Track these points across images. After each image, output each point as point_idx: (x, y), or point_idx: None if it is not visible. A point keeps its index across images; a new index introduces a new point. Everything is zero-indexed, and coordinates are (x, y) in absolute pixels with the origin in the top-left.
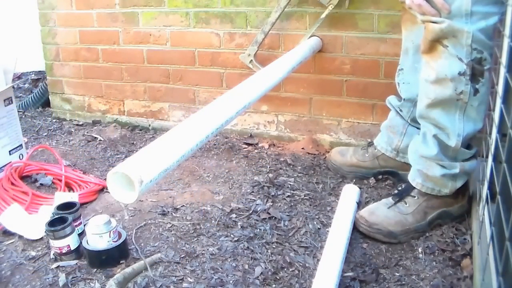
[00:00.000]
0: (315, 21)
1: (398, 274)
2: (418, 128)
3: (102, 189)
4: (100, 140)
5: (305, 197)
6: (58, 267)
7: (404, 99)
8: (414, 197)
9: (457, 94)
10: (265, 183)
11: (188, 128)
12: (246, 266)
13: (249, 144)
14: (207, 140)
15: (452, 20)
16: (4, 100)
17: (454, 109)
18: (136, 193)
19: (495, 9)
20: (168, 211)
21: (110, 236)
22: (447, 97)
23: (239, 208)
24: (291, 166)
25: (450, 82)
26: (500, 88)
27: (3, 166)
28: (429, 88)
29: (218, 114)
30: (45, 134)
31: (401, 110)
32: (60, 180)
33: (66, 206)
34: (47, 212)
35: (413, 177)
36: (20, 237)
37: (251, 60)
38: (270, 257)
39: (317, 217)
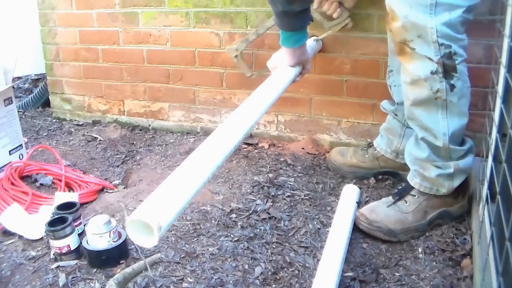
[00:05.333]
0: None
1: (398, 274)
2: None
3: (102, 189)
4: (100, 140)
5: (305, 197)
6: (58, 267)
7: (397, 103)
8: (414, 196)
9: (434, 93)
10: (265, 183)
11: (198, 161)
12: (246, 266)
13: (249, 144)
14: (217, 169)
15: (416, 11)
16: (4, 100)
17: (435, 108)
18: (156, 238)
19: (460, 2)
20: None
21: (110, 236)
22: (425, 97)
23: (239, 208)
24: (291, 166)
25: (425, 82)
26: (500, 88)
27: (3, 166)
28: (407, 90)
29: (226, 140)
30: (45, 134)
31: (396, 115)
32: (60, 180)
33: (66, 206)
34: (47, 212)
35: (411, 177)
36: (20, 237)
37: (237, 55)
38: (270, 257)
39: (317, 217)
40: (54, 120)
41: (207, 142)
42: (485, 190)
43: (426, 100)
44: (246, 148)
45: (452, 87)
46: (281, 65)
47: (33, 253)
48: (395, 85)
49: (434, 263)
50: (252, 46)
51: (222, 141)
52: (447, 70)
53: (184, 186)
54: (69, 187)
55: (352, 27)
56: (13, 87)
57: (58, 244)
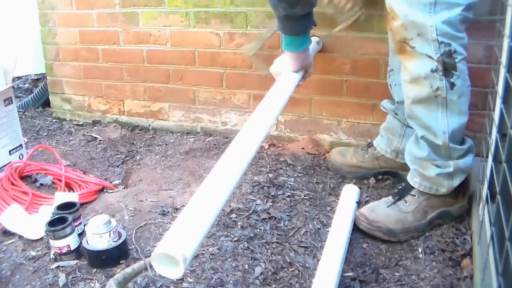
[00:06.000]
0: (320, 23)
1: (398, 274)
2: None
3: (102, 189)
4: (100, 140)
5: (305, 197)
6: (58, 267)
7: (397, 102)
8: (414, 196)
9: (433, 91)
10: (265, 183)
11: (215, 183)
12: (246, 266)
13: None
14: (231, 192)
15: (415, 9)
16: (4, 100)
17: (436, 106)
18: (182, 269)
19: (460, 0)
20: (168, 211)
21: (110, 236)
22: (425, 95)
23: (239, 208)
24: (291, 166)
25: (425, 80)
26: (500, 88)
27: (3, 166)
28: (408, 88)
29: (241, 156)
30: (45, 134)
31: (396, 114)
32: (60, 180)
33: (66, 206)
34: (47, 212)
35: (411, 177)
36: (20, 237)
37: (253, 54)
38: (270, 257)
39: (317, 217)
40: (54, 120)
41: (223, 160)
42: (485, 190)
43: (426, 98)
44: None
45: (452, 85)
46: (284, 71)
47: (33, 253)
48: (395, 84)
49: (434, 263)
50: None
51: (237, 158)
52: (447, 68)
53: (204, 212)
54: (69, 187)
55: (353, 26)
56: (13, 87)
57: (58, 244)
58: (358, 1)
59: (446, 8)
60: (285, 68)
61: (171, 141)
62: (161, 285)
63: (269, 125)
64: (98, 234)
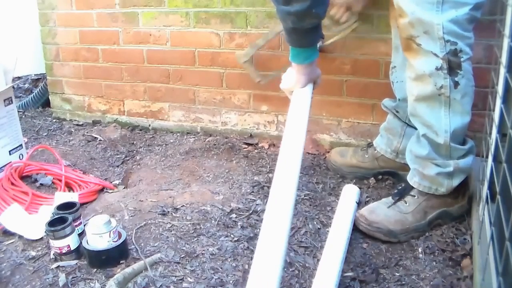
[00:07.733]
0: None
1: (398, 274)
2: (416, 129)
3: (102, 189)
4: (100, 140)
5: (305, 197)
6: (58, 267)
7: (399, 100)
8: (414, 196)
9: (437, 89)
10: (265, 183)
11: (275, 217)
12: (246, 266)
13: (249, 144)
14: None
15: (423, 7)
16: (4, 100)
17: (439, 105)
18: None
19: None
20: (168, 211)
21: (110, 236)
22: (429, 93)
23: (239, 208)
24: None
25: (429, 78)
26: (500, 88)
27: (3, 166)
28: (412, 85)
29: (289, 184)
30: (45, 134)
31: (397, 112)
32: (60, 180)
33: (66, 206)
34: (47, 212)
35: (411, 177)
36: (20, 237)
37: (246, 61)
38: None
39: (317, 217)
40: (54, 120)
41: (274, 193)
42: (485, 190)
43: (429, 96)
44: (246, 148)
45: (456, 84)
46: (296, 88)
47: (33, 253)
48: (397, 81)
49: (434, 263)
50: None
51: (286, 185)
52: (452, 67)
53: (274, 251)
54: (69, 187)
55: (357, 27)
56: (13, 87)
57: (58, 244)
58: (354, 13)
59: (453, 7)
60: (295, 85)
61: (171, 141)
62: (161, 285)
63: (302, 150)
64: (98, 234)
